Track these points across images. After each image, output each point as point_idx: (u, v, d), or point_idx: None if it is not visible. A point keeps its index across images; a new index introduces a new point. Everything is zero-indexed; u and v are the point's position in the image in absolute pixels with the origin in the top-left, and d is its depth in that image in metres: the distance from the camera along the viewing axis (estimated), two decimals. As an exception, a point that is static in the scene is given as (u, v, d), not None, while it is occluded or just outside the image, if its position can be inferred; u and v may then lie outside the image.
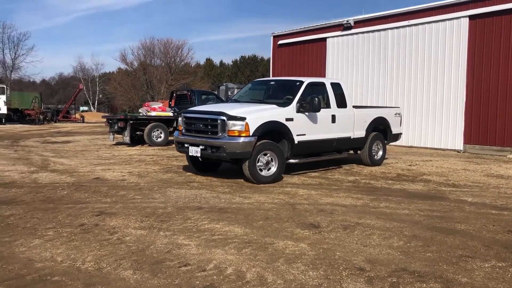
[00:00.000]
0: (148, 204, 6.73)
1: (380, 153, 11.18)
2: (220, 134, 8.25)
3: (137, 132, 15.89)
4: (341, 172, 10.10)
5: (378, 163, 11.05)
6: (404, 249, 4.78)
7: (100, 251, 4.63)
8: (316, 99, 8.89)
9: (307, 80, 9.53)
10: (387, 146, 11.63)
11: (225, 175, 9.24)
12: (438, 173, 10.14)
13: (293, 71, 20.95)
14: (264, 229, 5.48)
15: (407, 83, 16.68)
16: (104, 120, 22.08)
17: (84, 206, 6.54)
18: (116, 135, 16.18)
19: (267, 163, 8.43)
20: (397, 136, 11.87)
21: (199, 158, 9.05)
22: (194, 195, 7.37)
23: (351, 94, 18.22)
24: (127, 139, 15.38)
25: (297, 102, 8.96)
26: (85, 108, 64.49)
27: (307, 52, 20.74)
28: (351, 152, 11.12)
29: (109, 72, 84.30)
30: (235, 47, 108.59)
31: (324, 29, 20.19)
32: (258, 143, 8.24)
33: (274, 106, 8.94)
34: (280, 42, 22.02)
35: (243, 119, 8.13)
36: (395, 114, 11.73)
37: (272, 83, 10.70)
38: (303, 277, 3.99)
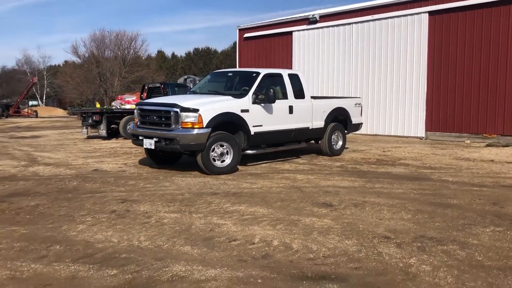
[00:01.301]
0: (163, 191, 7.11)
1: (340, 143, 11.33)
2: (174, 126, 8.26)
3: (112, 126, 15.93)
4: (326, 159, 10.80)
5: (337, 153, 11.19)
6: (414, 220, 5.49)
7: (148, 232, 5.02)
8: (272, 90, 8.99)
9: (263, 72, 9.59)
10: (355, 134, 12.38)
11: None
12: (412, 157, 11.05)
13: (259, 64, 21.47)
14: (285, 209, 6.03)
15: (371, 75, 17.65)
16: (59, 115, 21.78)
17: (103, 195, 6.84)
18: (90, 129, 16.15)
19: (222, 154, 8.50)
20: (357, 126, 12.05)
21: (158, 151, 9.15)
22: (203, 183, 7.80)
23: (318, 86, 19.11)
24: (103, 132, 15.42)
25: (253, 94, 9.03)
26: (35, 102, 62.10)
27: (273, 46, 21.32)
28: (313, 142, 11.26)
29: (56, 65, 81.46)
30: (183, 39, 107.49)
31: (289, 23, 20.85)
32: (213, 135, 8.30)
33: (230, 97, 9.05)
34: (246, 35, 22.46)
35: (196, 110, 8.17)
36: (355, 104, 11.88)
37: (230, 74, 10.70)
38: (341, 245, 4.59)
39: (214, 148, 8.37)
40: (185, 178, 8.20)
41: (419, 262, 4.11)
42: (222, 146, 8.48)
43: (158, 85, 17.67)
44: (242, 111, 8.78)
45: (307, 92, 10.35)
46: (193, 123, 8.14)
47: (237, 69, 10.65)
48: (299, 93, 10.10)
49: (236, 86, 9.80)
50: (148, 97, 17.97)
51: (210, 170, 8.38)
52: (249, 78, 9.50)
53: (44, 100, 73.97)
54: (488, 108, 14.72)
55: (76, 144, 14.27)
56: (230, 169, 8.58)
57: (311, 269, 3.95)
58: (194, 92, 10.24)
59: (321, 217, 5.62)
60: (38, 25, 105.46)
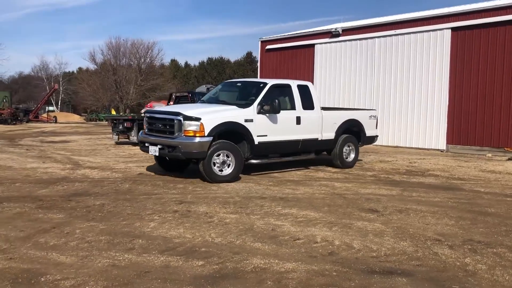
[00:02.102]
0: (213, 194, 7.57)
1: (352, 155, 11.17)
2: (177, 134, 8.46)
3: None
4: (358, 169, 11.21)
5: (349, 165, 11.03)
6: (459, 226, 5.90)
7: (216, 230, 5.47)
8: (277, 100, 9.06)
9: (271, 82, 9.70)
10: (377, 146, 12.58)
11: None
12: (440, 169, 11.44)
13: (281, 75, 21.97)
14: (334, 213, 6.46)
15: (393, 87, 18.07)
16: (75, 120, 22.27)
17: (159, 197, 7.31)
18: (120, 135, 16.72)
19: (224, 162, 8.60)
20: (372, 139, 11.87)
21: (166, 158, 9.39)
22: (247, 188, 8.25)
23: (340, 97, 19.56)
24: (134, 138, 15.94)
25: (259, 104, 9.11)
26: (51, 108, 63.07)
27: (295, 57, 21.84)
28: (325, 153, 11.12)
29: (70, 71, 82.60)
30: (195, 48, 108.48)
31: (312, 36, 21.39)
32: (215, 143, 8.44)
33: (235, 107, 9.14)
34: (268, 47, 23.01)
35: (198, 119, 8.34)
36: (370, 117, 11.71)
37: (239, 84, 10.88)
38: (398, 245, 5.01)
39: (216, 157, 8.49)
40: (229, 184, 8.64)
41: (474, 261, 4.52)
42: (224, 154, 8.58)
43: (185, 94, 18.23)
44: (246, 120, 8.90)
45: (317, 103, 10.35)
46: (195, 132, 8.31)
47: (247, 79, 10.84)
48: (308, 104, 10.10)
49: (244, 96, 9.85)
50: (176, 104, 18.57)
51: (211, 178, 8.49)
52: (256, 88, 9.61)
53: (59, 106, 75.06)
54: (509, 122, 15.07)
55: (109, 150, 14.80)
56: (232, 178, 8.66)
57: (377, 265, 4.38)
58: (203, 102, 10.46)
59: (371, 221, 6.04)
60: (51, 31, 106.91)
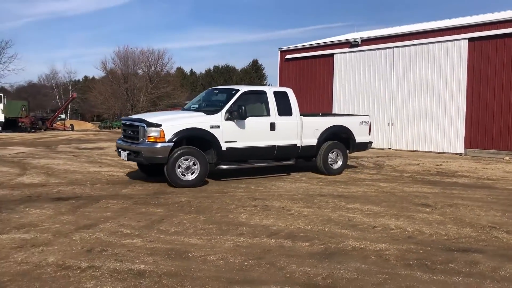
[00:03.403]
0: (277, 192, 8.49)
1: (340, 162, 11.02)
2: (141, 140, 8.76)
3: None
4: (392, 170, 12.12)
5: (335, 172, 10.87)
6: (507, 216, 6.81)
7: (300, 220, 6.39)
8: (243, 107, 9.16)
9: (243, 89, 9.78)
10: (399, 150, 12.99)
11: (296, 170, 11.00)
12: (466, 171, 12.35)
13: (300, 84, 22.94)
14: (393, 207, 7.38)
15: (412, 96, 19.02)
16: (89, 128, 22.95)
17: (231, 194, 8.23)
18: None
19: (188, 168, 8.77)
20: (364, 145, 11.67)
21: (144, 163, 9.47)
22: (303, 187, 9.18)
23: (359, 105, 20.49)
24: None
25: (227, 110, 9.25)
26: (62, 116, 64.08)
27: (314, 66, 22.79)
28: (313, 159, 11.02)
29: (77, 80, 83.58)
30: (196, 56, 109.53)
31: (331, 46, 22.36)
32: (178, 149, 8.66)
33: (202, 114, 9.36)
34: (288, 56, 23.98)
35: (159, 125, 8.62)
36: (361, 123, 11.50)
37: (215, 91, 10.99)
38: (462, 231, 5.93)
39: (180, 162, 8.68)
40: (284, 183, 9.57)
41: (531, 242, 5.44)
42: (188, 160, 8.74)
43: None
44: (212, 127, 9.04)
45: (295, 110, 10.26)
46: (156, 138, 8.57)
47: (224, 86, 11.12)
48: (285, 111, 10.07)
49: (218, 102, 9.93)
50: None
51: (175, 182, 8.68)
52: (228, 95, 9.76)
53: (68, 114, 76.07)
54: (526, 127, 16.00)
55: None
56: (196, 183, 8.81)
57: (452, 245, 5.29)
58: (183, 109, 10.88)
59: (429, 213, 6.96)
60: (52, 40, 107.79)
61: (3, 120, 33.98)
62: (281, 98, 10.15)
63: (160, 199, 7.72)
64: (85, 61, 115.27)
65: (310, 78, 22.85)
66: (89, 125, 54.36)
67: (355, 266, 4.50)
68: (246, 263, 4.55)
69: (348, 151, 11.33)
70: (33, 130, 36.35)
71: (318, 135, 10.67)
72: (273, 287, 3.93)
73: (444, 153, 17.98)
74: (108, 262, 4.49)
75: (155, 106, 58.34)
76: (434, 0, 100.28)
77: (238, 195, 8.22)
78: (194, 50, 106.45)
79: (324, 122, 10.96)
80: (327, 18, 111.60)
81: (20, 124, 36.54)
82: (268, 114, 9.91)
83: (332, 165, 10.92)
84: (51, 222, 6.06)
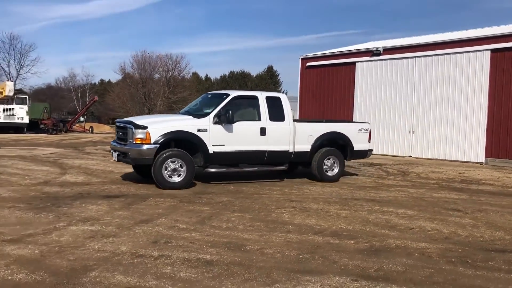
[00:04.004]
0: (312, 196, 8.90)
1: (336, 169, 10.86)
2: (129, 141, 9.02)
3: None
4: (417, 177, 12.46)
5: (330, 179, 10.73)
6: (536, 222, 7.14)
7: (340, 221, 6.78)
8: (230, 111, 9.29)
9: (233, 94, 9.92)
10: (419, 158, 12.94)
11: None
12: (490, 179, 12.64)
13: (321, 91, 23.36)
14: (425, 211, 7.73)
15: (433, 104, 19.30)
16: (107, 131, 23.60)
17: (268, 196, 8.66)
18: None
19: (175, 170, 8.90)
20: (363, 153, 11.52)
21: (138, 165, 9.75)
22: (336, 191, 9.57)
23: (380, 113, 20.81)
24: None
25: (216, 114, 9.39)
26: (81, 118, 65.16)
27: (335, 74, 23.18)
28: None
29: (93, 83, 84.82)
30: (211, 61, 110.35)
31: (353, 54, 22.74)
32: (165, 151, 8.86)
33: (190, 117, 9.59)
34: (309, 64, 24.41)
35: (145, 127, 8.84)
36: (359, 130, 11.39)
37: (209, 96, 11.18)
38: (496, 234, 6.28)
39: (166, 164, 8.83)
40: (316, 187, 9.99)
41: None
42: (175, 162, 8.88)
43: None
44: (199, 130, 9.17)
45: (288, 115, 10.25)
46: (142, 139, 8.78)
47: (218, 91, 11.16)
48: (277, 116, 10.08)
49: (209, 106, 9.97)
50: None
51: (162, 184, 8.84)
52: (220, 99, 9.87)
53: (85, 116, 77.17)
54: (548, 138, 16.21)
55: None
56: (182, 185, 8.92)
57: (489, 246, 5.65)
58: (179, 113, 11.00)
59: (461, 217, 7.32)
60: (66, 43, 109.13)
61: (27, 122, 34.77)
62: (273, 103, 10.15)
63: (203, 199, 8.17)
64: (98, 65, 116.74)
65: (331, 85, 23.23)
66: (107, 128, 55.18)
67: (402, 261, 4.90)
68: (301, 256, 4.97)
69: (347, 158, 11.24)
70: (55, 132, 37.15)
71: (312, 141, 10.60)
72: (332, 277, 4.34)
73: (464, 162, 18.21)
74: (176, 252, 4.94)
75: (172, 110, 59.03)
76: (447, 9, 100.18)
77: (274, 197, 8.65)
78: (207, 55, 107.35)
79: (318, 128, 10.87)
80: (339, 25, 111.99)
81: (42, 125, 37.40)
82: (259, 119, 9.93)
83: (327, 171, 10.79)
84: (110, 216, 6.54)
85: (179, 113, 10.94)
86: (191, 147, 9.19)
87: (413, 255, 5.15)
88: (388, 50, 21.23)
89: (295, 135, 10.30)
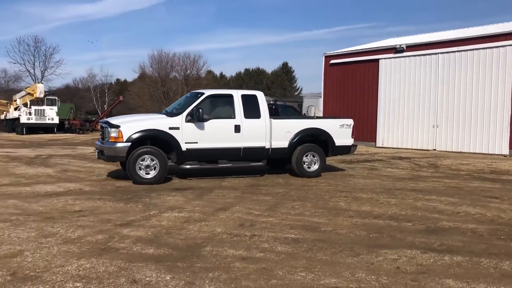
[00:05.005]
0: (357, 186, 9.71)
1: (316, 165, 10.96)
2: (105, 140, 9.60)
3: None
4: (449, 169, 13.19)
5: (311, 175, 10.86)
6: None
7: (392, 208, 7.59)
8: (200, 110, 9.62)
9: (208, 93, 10.24)
10: (444, 152, 13.35)
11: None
12: (518, 170, 13.33)
13: (345, 88, 24.09)
14: (465, 199, 8.49)
15: (456, 98, 19.93)
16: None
17: (318, 188, 9.49)
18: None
19: (148, 166, 9.34)
20: (346, 148, 11.49)
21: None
22: (377, 183, 10.38)
23: (404, 108, 21.47)
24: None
25: (188, 113, 9.72)
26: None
27: (359, 71, 23.87)
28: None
29: (109, 82, 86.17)
30: (223, 58, 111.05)
31: (376, 52, 23.43)
32: (138, 148, 9.29)
33: (163, 116, 10.06)
34: (332, 61, 25.14)
35: (118, 127, 9.28)
36: (341, 126, 11.33)
37: (188, 95, 11.42)
38: (534, 217, 7.06)
39: (141, 161, 9.29)
40: (358, 179, 10.80)
41: None
42: (148, 159, 9.32)
43: (269, 105, 20.44)
44: (171, 128, 9.54)
45: (264, 112, 10.45)
46: (115, 138, 9.25)
47: (197, 90, 11.39)
48: (252, 113, 10.29)
49: (186, 105, 10.22)
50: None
51: (135, 179, 9.33)
52: (194, 98, 10.25)
53: (106, 116, 78.61)
54: None
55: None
56: (155, 181, 9.37)
57: (530, 226, 6.44)
58: (161, 112, 11.22)
59: (499, 203, 8.08)
60: (78, 43, 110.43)
61: (57, 122, 35.99)
62: (249, 101, 10.37)
63: (261, 190, 9.04)
64: (110, 64, 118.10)
65: (355, 82, 23.94)
66: (128, 127, 56.43)
67: (458, 238, 5.71)
68: (371, 236, 5.81)
69: (328, 154, 11.27)
70: (81, 131, 38.34)
71: (289, 137, 10.71)
72: (404, 250, 5.17)
73: (488, 154, 18.84)
74: (264, 232, 5.81)
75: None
76: (460, 2, 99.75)
77: (323, 188, 9.49)
78: (220, 52, 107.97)
79: (296, 125, 10.94)
80: (353, 19, 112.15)
81: (69, 125, 38.64)
82: (234, 117, 10.16)
83: (307, 167, 10.90)
84: (190, 205, 7.45)
85: (160, 113, 11.15)
86: (165, 145, 9.58)
87: (467, 234, 5.96)
88: (411, 47, 21.88)
89: (271, 131, 10.50)
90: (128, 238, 5.42)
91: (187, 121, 9.73)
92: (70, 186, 9.33)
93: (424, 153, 18.60)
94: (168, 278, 4.15)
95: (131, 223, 6.20)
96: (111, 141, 9.38)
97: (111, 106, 44.33)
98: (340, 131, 11.29)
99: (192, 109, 9.78)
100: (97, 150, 10.00)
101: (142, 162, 9.34)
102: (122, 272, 4.27)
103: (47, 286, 3.91)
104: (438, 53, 20.74)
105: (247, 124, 10.24)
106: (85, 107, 79.72)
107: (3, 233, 5.56)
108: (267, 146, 10.52)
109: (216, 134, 9.99)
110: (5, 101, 43.98)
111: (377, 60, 23.08)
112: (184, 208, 7.20)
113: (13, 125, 37.56)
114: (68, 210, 6.94)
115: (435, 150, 20.30)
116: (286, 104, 22.92)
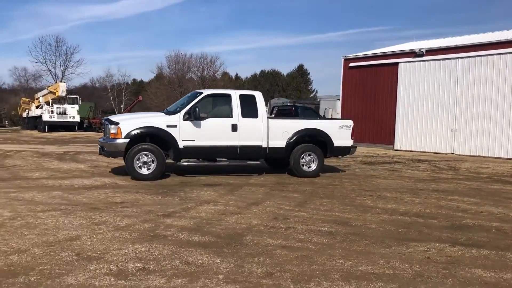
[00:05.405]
0: (380, 186, 10.01)
1: (314, 166, 11.05)
2: (106, 136, 10.03)
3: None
4: (468, 172, 13.41)
5: (309, 175, 10.95)
6: None
7: (417, 206, 7.89)
8: (197, 108, 9.89)
9: (206, 92, 10.54)
10: (462, 155, 13.41)
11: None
12: (537, 174, 13.49)
13: (364, 91, 24.33)
14: (487, 199, 8.75)
15: (475, 103, 20.06)
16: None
17: (343, 187, 9.82)
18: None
19: (145, 163, 9.60)
20: (345, 150, 11.53)
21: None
22: (399, 183, 10.67)
23: (423, 112, 21.63)
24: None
25: (186, 111, 9.99)
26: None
27: (378, 75, 24.11)
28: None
29: (127, 82, 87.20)
30: (238, 59, 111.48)
31: (395, 55, 23.65)
32: (137, 145, 9.58)
33: (162, 114, 10.36)
34: (351, 64, 25.41)
35: (117, 123, 9.64)
36: (340, 127, 11.39)
37: (189, 94, 11.61)
38: (556, 217, 7.31)
39: (138, 157, 9.56)
40: (380, 180, 11.10)
41: None
42: (146, 155, 9.59)
43: (289, 107, 20.83)
44: (169, 126, 9.81)
45: (262, 112, 10.64)
46: (114, 134, 9.58)
47: (197, 90, 11.52)
48: (250, 113, 10.49)
49: (185, 104, 10.49)
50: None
51: (132, 175, 9.65)
52: (193, 97, 10.55)
53: (121, 115, 79.53)
54: None
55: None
56: (153, 177, 9.60)
57: (552, 226, 6.70)
58: (162, 111, 11.31)
59: (521, 204, 8.33)
60: (94, 43, 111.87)
61: (78, 120, 36.77)
62: (247, 101, 10.56)
63: (289, 187, 9.41)
64: (126, 64, 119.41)
65: (374, 85, 24.18)
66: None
67: (483, 235, 6.01)
68: (399, 230, 6.14)
69: (327, 154, 11.33)
70: (101, 130, 39.01)
71: (287, 137, 10.82)
72: (432, 243, 5.49)
73: (507, 158, 18.94)
74: (298, 225, 6.17)
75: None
76: (478, 4, 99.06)
77: (348, 187, 9.82)
78: (235, 54, 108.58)
79: (293, 125, 11.06)
80: (368, 22, 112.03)
81: (89, 124, 39.42)
82: (231, 116, 10.36)
83: (305, 167, 11.00)
84: (224, 200, 7.84)
85: (162, 111, 11.29)
86: (162, 142, 9.85)
87: (491, 231, 6.25)
88: (431, 51, 22.08)
89: (268, 131, 10.66)
90: (172, 227, 5.82)
91: (184, 119, 9.97)
92: (105, 180, 9.79)
93: (442, 156, 18.78)
94: (218, 261, 4.53)
95: (172, 214, 6.61)
96: (111, 137, 9.71)
97: (130, 106, 45.12)
98: (340, 132, 11.36)
99: (190, 108, 10.03)
100: (99, 146, 10.38)
101: (140, 158, 9.61)
102: (175, 255, 4.67)
103: (111, 265, 4.32)
104: (457, 57, 20.91)
105: (244, 123, 10.43)
106: (102, 106, 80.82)
107: (58, 220, 6.00)
108: (264, 146, 10.68)
109: (213, 132, 10.21)
110: (27, 99, 45.02)
111: (396, 64, 23.29)
112: (218, 202, 7.59)
113: (35, 122, 38.49)
114: (110, 202, 7.38)
115: (453, 153, 20.46)
116: (305, 106, 23.22)
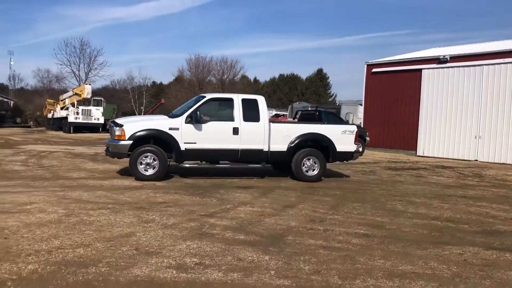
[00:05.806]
0: (409, 191, 10.23)
1: (315, 170, 11.10)
2: (111, 138, 10.41)
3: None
4: (494, 179, 13.51)
5: (311, 179, 10.99)
6: None
7: (446, 211, 8.09)
8: (198, 112, 10.17)
9: (209, 96, 10.82)
10: (485, 162, 13.48)
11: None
12: None
13: (387, 97, 24.45)
14: (509, 203, 8.94)
15: (500, 110, 20.05)
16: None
17: (371, 191, 10.06)
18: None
19: (148, 164, 9.92)
20: (348, 155, 11.52)
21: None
22: (426, 189, 10.87)
23: (446, 118, 21.66)
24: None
25: (189, 114, 10.25)
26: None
27: (401, 81, 24.21)
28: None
29: (147, 85, 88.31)
30: (256, 62, 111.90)
31: (419, 61, 23.76)
32: (141, 147, 9.90)
33: (165, 117, 10.73)
34: (374, 70, 25.57)
35: (121, 126, 9.97)
36: (343, 132, 11.39)
37: (194, 98, 11.67)
38: None
39: (141, 158, 9.89)
40: (408, 186, 11.31)
41: None
42: (149, 157, 9.90)
43: (312, 112, 21.09)
44: (171, 129, 10.09)
45: (264, 116, 10.75)
46: (118, 136, 9.92)
47: (202, 94, 11.68)
48: (252, 117, 10.65)
49: (188, 107, 10.75)
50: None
51: (136, 176, 9.95)
52: (196, 101, 10.82)
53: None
54: None
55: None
56: (155, 178, 9.92)
57: None
58: (168, 115, 11.43)
59: (550, 212, 8.48)
60: (113, 45, 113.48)
61: (103, 122, 37.52)
62: (249, 105, 10.75)
63: (319, 191, 9.70)
64: (145, 66, 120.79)
65: (397, 91, 24.29)
66: (166, 129, 58.02)
67: (516, 240, 6.22)
68: (433, 234, 6.38)
69: (330, 159, 11.36)
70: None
71: (288, 141, 10.93)
72: (467, 247, 5.73)
73: (532, 166, 18.91)
74: (335, 228, 6.47)
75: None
76: (502, 8, 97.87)
77: (377, 192, 10.07)
78: (253, 57, 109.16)
79: (295, 129, 11.15)
80: (388, 26, 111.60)
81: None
82: (233, 119, 10.57)
83: (307, 172, 11.05)
84: (259, 202, 8.17)
85: (167, 115, 11.48)
86: (165, 144, 10.13)
87: (522, 236, 6.46)
88: (455, 58, 22.14)
89: (269, 135, 10.79)
90: (217, 226, 6.17)
91: (186, 122, 10.22)
92: (143, 181, 10.20)
93: (466, 163, 18.84)
94: (267, 258, 4.86)
95: (214, 214, 6.96)
96: (116, 139, 10.06)
97: (153, 108, 45.82)
98: (342, 137, 11.36)
99: (192, 111, 10.30)
100: (105, 147, 10.74)
101: (143, 160, 9.94)
102: (226, 252, 5.01)
103: (170, 259, 4.68)
104: (482, 64, 20.93)
105: (246, 127, 10.61)
106: (123, 108, 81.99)
107: (109, 218, 6.40)
108: (265, 149, 10.83)
109: (215, 135, 10.44)
110: (52, 101, 46.06)
111: (419, 70, 23.38)
112: (254, 204, 7.93)
113: (60, 123, 39.37)
114: (153, 201, 7.77)
115: (476, 160, 20.46)
116: (328, 111, 23.46)
